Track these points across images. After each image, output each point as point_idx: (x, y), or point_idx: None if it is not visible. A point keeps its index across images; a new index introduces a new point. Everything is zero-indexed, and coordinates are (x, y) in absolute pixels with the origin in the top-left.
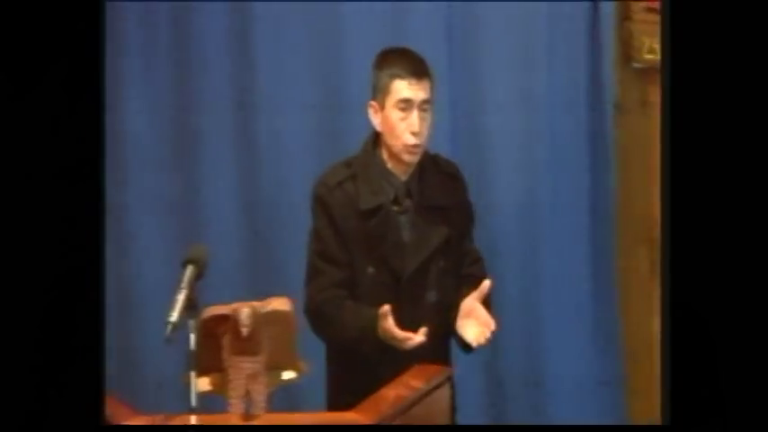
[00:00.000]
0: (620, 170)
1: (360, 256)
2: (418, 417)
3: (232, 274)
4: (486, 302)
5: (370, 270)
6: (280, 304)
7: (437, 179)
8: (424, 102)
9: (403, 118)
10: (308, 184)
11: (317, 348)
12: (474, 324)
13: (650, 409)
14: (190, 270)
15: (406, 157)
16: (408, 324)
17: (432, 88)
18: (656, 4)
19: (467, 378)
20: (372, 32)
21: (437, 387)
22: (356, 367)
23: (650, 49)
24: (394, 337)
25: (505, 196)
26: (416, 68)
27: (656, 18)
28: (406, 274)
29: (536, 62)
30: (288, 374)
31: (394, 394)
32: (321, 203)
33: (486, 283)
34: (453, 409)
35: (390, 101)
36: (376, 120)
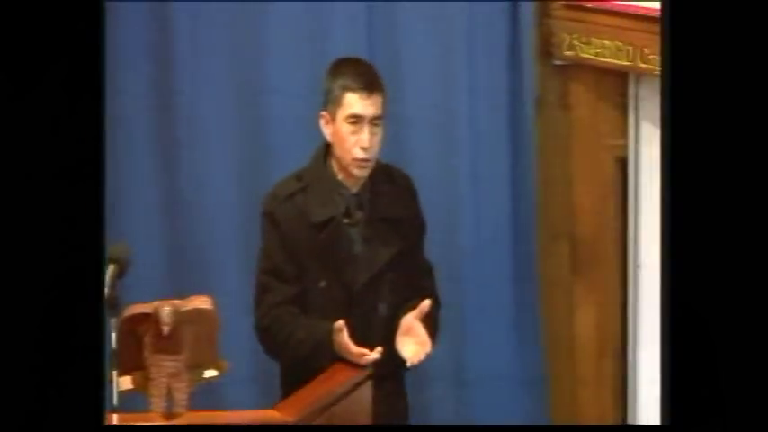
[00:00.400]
0: (540, 167)
1: (311, 270)
2: (339, 415)
3: (153, 273)
4: (428, 320)
5: (322, 283)
6: (201, 302)
7: (389, 191)
8: (376, 117)
9: (353, 132)
10: (230, 183)
11: (239, 347)
12: (411, 342)
13: (574, 408)
14: (111, 269)
15: (356, 171)
16: (360, 337)
17: (384, 103)
18: (579, 2)
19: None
20: (292, 31)
21: (358, 385)
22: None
23: (570, 45)
24: (349, 353)
25: (427, 195)
26: (368, 82)
27: (576, 15)
28: (357, 287)
29: (456, 60)
30: (209, 373)
31: (315, 393)
32: (270, 218)
33: (426, 303)
34: (377, 407)
35: (341, 114)
36: (327, 131)
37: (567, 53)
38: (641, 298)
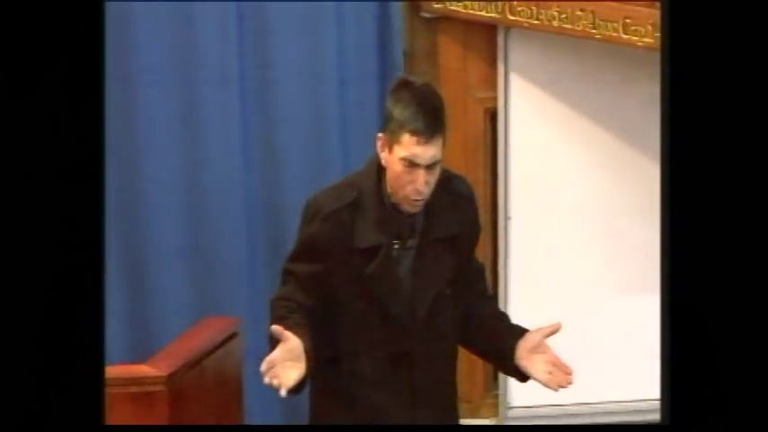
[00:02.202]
0: None
1: (348, 292)
2: (210, 368)
3: None
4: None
5: (360, 306)
6: None
7: (445, 206)
8: (434, 162)
9: (408, 173)
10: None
11: (110, 299)
12: (542, 361)
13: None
14: None
15: (406, 207)
16: (426, 375)
17: (443, 143)
18: None
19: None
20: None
21: (228, 339)
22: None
23: None
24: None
25: (298, 152)
26: (430, 124)
27: None
28: (417, 321)
29: (324, 14)
30: None
31: (186, 346)
32: (313, 232)
33: (560, 325)
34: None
35: (397, 151)
36: (382, 154)
37: (436, 6)
38: (511, 251)
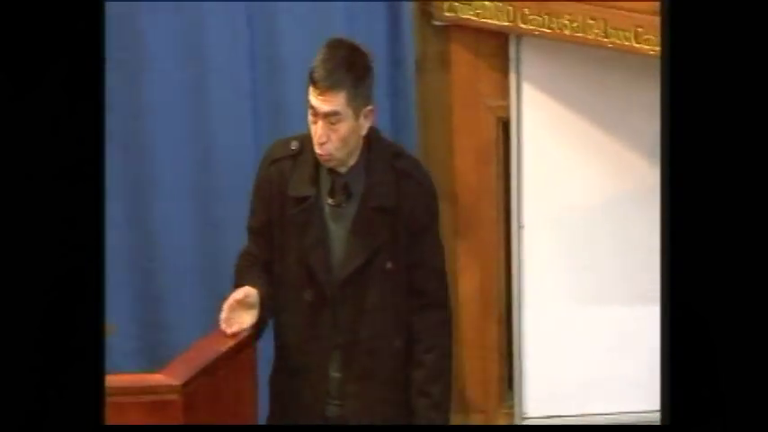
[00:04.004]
0: (421, 128)
1: (282, 242)
2: (224, 378)
3: None
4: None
5: (291, 260)
6: None
7: (389, 178)
8: (331, 114)
9: (313, 122)
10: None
11: (124, 309)
12: None
13: (459, 371)
14: None
15: (321, 161)
16: (345, 327)
17: (347, 98)
18: None
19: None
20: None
21: (242, 349)
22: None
23: (450, 6)
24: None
25: None
26: (324, 79)
27: None
28: (337, 280)
29: (336, 21)
30: None
31: (200, 356)
32: (257, 177)
33: None
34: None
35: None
36: None
37: (447, 14)
38: (524, 259)
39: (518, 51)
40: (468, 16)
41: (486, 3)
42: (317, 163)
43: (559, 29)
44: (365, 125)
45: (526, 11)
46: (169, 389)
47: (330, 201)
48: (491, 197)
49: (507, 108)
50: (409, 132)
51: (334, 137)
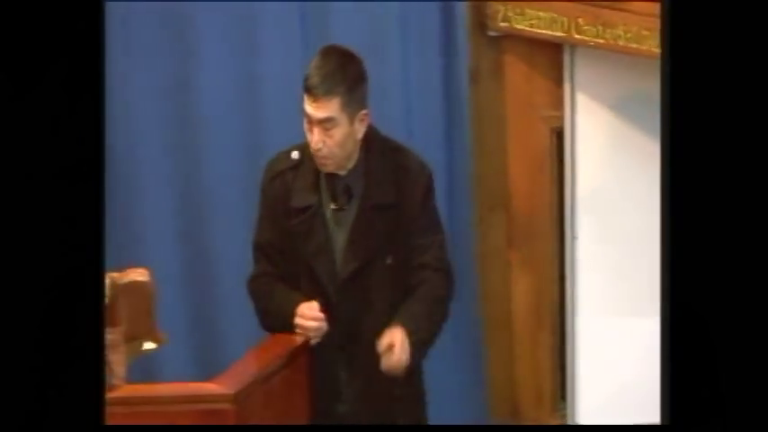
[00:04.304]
0: (476, 139)
1: (290, 254)
2: (278, 386)
3: None
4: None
5: (299, 270)
6: (138, 275)
7: (387, 174)
8: (325, 120)
9: (309, 130)
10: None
11: (176, 319)
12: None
13: (512, 381)
14: None
15: (319, 167)
16: (352, 330)
17: (341, 104)
18: None
19: None
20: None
21: (296, 357)
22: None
23: (504, 16)
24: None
25: None
26: (318, 86)
27: None
28: (339, 279)
29: (389, 32)
30: (147, 345)
31: (253, 364)
32: (261, 192)
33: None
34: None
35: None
36: None
37: (502, 24)
38: (578, 269)
39: (572, 62)
40: (522, 27)
41: (541, 13)
42: (317, 170)
43: (613, 39)
44: (360, 129)
45: (580, 21)
46: (222, 398)
47: (333, 205)
48: (544, 208)
49: (561, 118)
50: (463, 143)
51: (329, 142)
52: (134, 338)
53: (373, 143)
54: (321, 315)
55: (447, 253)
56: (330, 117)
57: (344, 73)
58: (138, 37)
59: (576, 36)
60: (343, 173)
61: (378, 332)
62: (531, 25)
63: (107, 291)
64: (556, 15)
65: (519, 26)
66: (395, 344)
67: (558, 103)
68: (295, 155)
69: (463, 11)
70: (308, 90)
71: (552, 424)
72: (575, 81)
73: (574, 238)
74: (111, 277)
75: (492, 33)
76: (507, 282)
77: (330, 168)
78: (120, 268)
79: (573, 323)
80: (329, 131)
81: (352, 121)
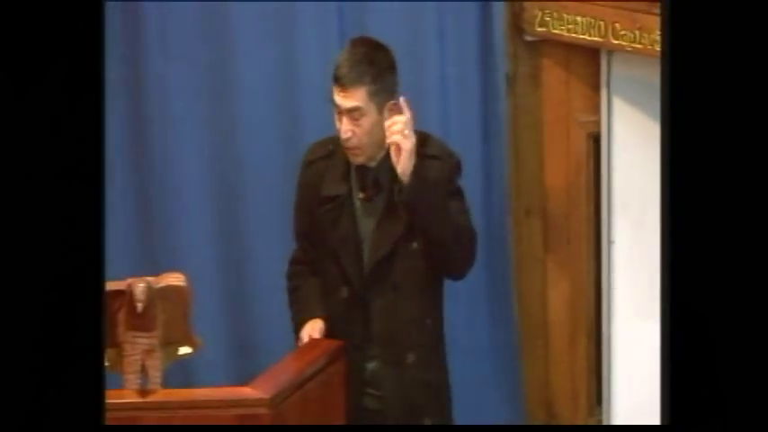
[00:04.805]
0: (511, 142)
1: (319, 242)
2: (314, 391)
3: (126, 249)
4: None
5: (326, 259)
6: (174, 279)
7: (415, 165)
8: (353, 110)
9: (339, 120)
10: (199, 162)
11: (212, 323)
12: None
13: (548, 385)
14: None
15: (350, 158)
16: (380, 323)
17: (369, 93)
18: None
19: None
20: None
21: (332, 362)
22: None
23: (541, 21)
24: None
25: None
26: (345, 75)
27: None
28: (365, 269)
29: (427, 37)
30: (184, 350)
31: (289, 369)
32: (298, 180)
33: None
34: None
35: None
36: None
37: (539, 29)
38: (614, 274)
39: (609, 66)
40: (559, 31)
41: (578, 18)
42: (348, 161)
43: (650, 44)
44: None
45: (617, 26)
46: (258, 402)
47: (361, 195)
48: (581, 212)
49: (598, 123)
50: (500, 147)
51: (358, 131)
52: (170, 343)
53: None
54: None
55: (470, 217)
56: (357, 106)
57: (372, 62)
58: (175, 38)
59: (614, 41)
60: (372, 164)
61: (405, 318)
62: (569, 30)
63: (143, 295)
64: (593, 20)
65: (556, 31)
66: (402, 148)
67: (595, 108)
68: (331, 145)
69: (501, 15)
70: (337, 80)
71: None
72: (612, 86)
73: (610, 242)
74: (147, 282)
75: (529, 38)
76: (544, 286)
77: (360, 159)
78: (157, 273)
79: (609, 327)
80: (357, 121)
81: (380, 110)
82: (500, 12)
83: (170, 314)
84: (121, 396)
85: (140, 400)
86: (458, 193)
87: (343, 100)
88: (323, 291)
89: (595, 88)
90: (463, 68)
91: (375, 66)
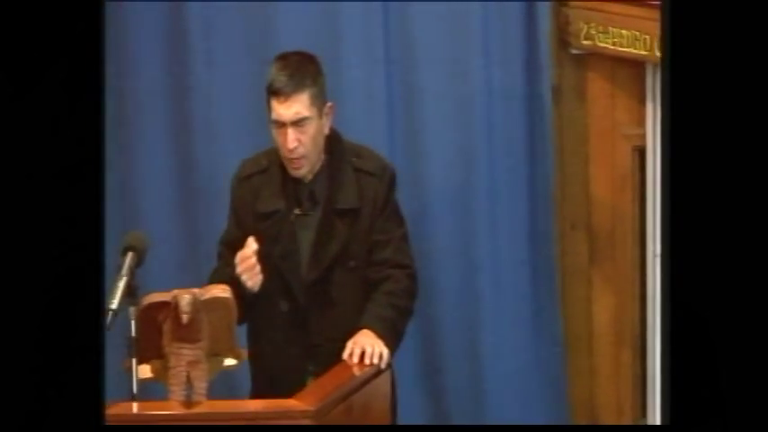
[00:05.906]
0: (557, 156)
1: (261, 255)
2: (358, 404)
3: (171, 261)
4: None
5: (265, 273)
6: (219, 291)
7: (349, 178)
8: (299, 119)
9: (280, 134)
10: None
11: None
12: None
13: (593, 399)
14: (130, 257)
15: (292, 171)
16: (319, 336)
17: (311, 97)
18: None
19: (403, 368)
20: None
21: (377, 375)
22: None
23: (587, 34)
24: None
25: (443, 184)
26: (285, 83)
27: (594, 4)
28: (306, 285)
29: (473, 50)
30: (228, 361)
31: (334, 381)
32: (231, 194)
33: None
34: (393, 396)
35: (270, 117)
36: None
37: (585, 42)
38: (659, 287)
39: (654, 80)
40: (605, 45)
41: (624, 31)
42: (284, 176)
43: None
44: (327, 123)
45: None
46: (302, 414)
47: (297, 210)
48: (626, 225)
49: (643, 136)
50: (546, 161)
51: (304, 139)
52: (215, 354)
53: (336, 146)
54: (250, 253)
55: (409, 247)
56: (302, 113)
57: (307, 68)
58: (219, 48)
59: (659, 54)
60: (309, 177)
61: (344, 334)
62: (614, 43)
63: (188, 307)
64: (638, 33)
65: (602, 44)
66: (364, 351)
67: (641, 121)
68: (264, 160)
69: (546, 28)
70: (276, 92)
71: None
72: (657, 99)
73: (655, 255)
74: (192, 293)
75: (575, 51)
76: (589, 299)
77: (303, 170)
78: (202, 284)
79: (654, 341)
80: (303, 128)
81: (320, 114)
82: (545, 25)
83: (215, 326)
84: (167, 407)
85: (185, 411)
86: (395, 213)
87: (287, 110)
88: (258, 305)
89: (641, 101)
90: (509, 82)
91: (310, 71)
